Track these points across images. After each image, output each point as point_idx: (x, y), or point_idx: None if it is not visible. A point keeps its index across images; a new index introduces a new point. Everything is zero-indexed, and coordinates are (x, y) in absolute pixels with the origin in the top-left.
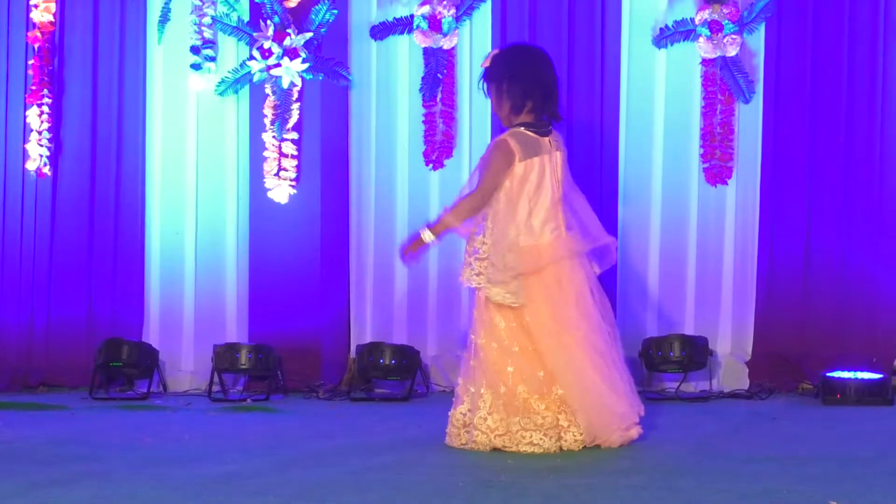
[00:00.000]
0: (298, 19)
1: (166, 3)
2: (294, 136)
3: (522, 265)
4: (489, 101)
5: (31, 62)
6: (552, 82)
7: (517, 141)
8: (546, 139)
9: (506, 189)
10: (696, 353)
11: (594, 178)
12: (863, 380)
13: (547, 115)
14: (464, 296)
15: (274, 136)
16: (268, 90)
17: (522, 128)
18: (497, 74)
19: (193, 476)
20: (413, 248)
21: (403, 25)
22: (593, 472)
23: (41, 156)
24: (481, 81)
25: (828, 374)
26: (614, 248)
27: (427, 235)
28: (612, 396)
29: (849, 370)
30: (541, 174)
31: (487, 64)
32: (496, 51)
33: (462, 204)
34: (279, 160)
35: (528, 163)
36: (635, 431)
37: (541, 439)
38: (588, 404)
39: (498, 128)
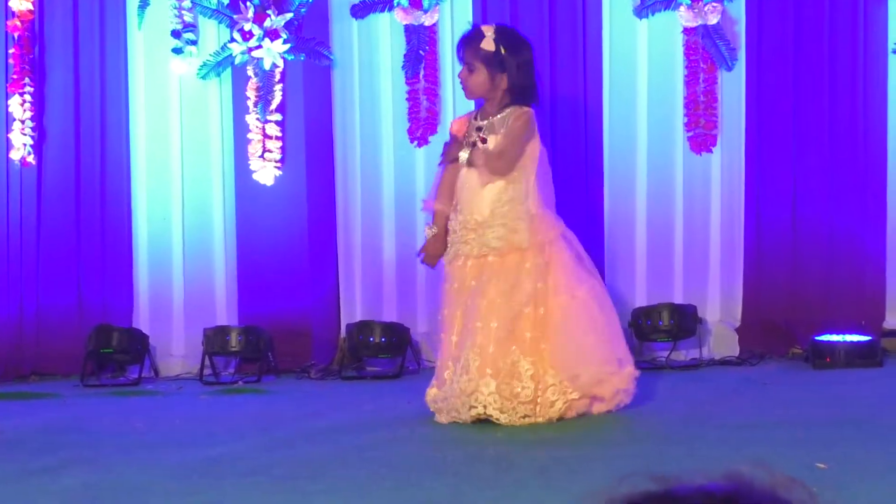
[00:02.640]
0: (278, 0)
1: None
2: (278, 117)
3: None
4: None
5: (11, 51)
6: (535, 76)
7: (533, 117)
8: None
9: (525, 164)
10: (686, 322)
11: (578, 150)
12: (852, 342)
13: (534, 100)
14: None
15: (257, 118)
16: (250, 72)
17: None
18: (501, 54)
19: (184, 459)
20: (434, 252)
21: (384, 3)
22: (584, 443)
23: (25, 145)
24: (463, 47)
25: (817, 338)
26: None
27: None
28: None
29: (838, 333)
30: (542, 153)
31: (489, 40)
32: (495, 26)
33: (491, 163)
34: (263, 142)
35: (537, 139)
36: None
37: (509, 409)
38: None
39: (482, 105)
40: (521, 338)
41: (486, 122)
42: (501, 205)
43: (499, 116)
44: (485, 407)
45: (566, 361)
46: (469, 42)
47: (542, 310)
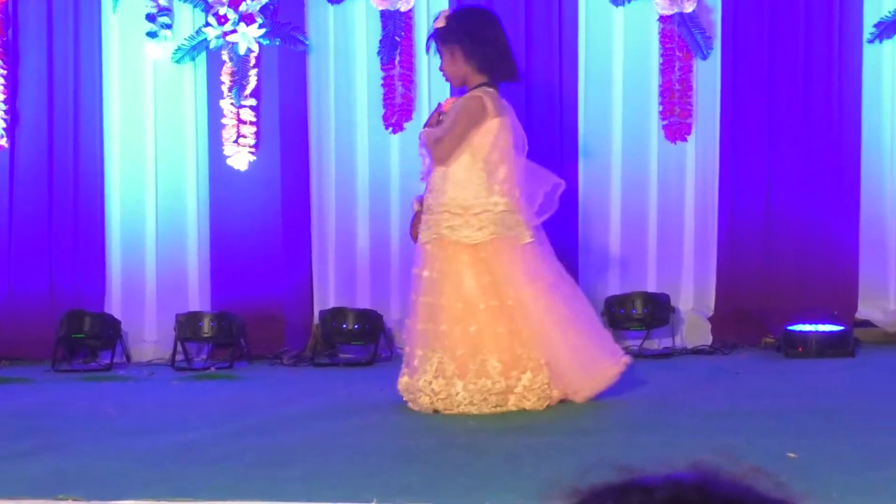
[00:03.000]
0: None
1: None
2: (252, 102)
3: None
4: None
5: None
6: (508, 45)
7: (490, 98)
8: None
9: (480, 146)
10: (659, 310)
11: (553, 137)
12: (824, 332)
13: (507, 77)
14: None
15: (232, 103)
16: (225, 57)
17: (489, 88)
18: (459, 35)
19: (155, 445)
20: (417, 227)
21: None
22: (554, 431)
23: None
24: (431, 41)
25: (789, 328)
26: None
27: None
28: (592, 345)
29: (810, 323)
30: (508, 134)
31: (442, 24)
32: (448, 11)
33: (430, 147)
34: (238, 127)
35: (502, 120)
36: (615, 371)
37: (480, 402)
38: (566, 353)
39: (457, 90)
40: (489, 336)
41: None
42: (452, 191)
43: (457, 99)
44: (457, 406)
45: (565, 379)
46: (432, 33)
47: (511, 301)
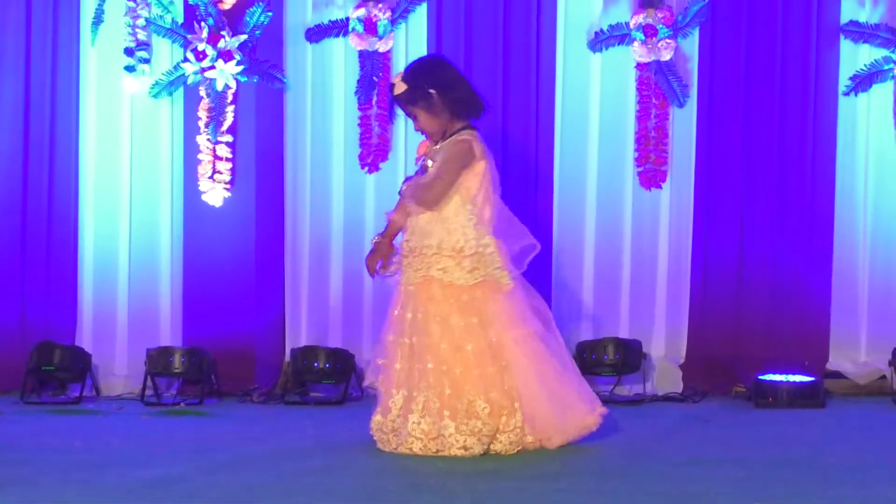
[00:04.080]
0: (233, 21)
1: (100, 5)
2: (229, 138)
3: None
4: (412, 121)
5: None
6: (466, 79)
7: (476, 141)
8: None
9: (468, 188)
10: (630, 357)
11: (529, 182)
12: (795, 383)
13: (479, 111)
14: None
15: (208, 139)
16: (202, 92)
17: (470, 131)
18: (425, 91)
19: (122, 480)
20: (374, 260)
21: (339, 28)
22: (524, 476)
23: None
24: (397, 107)
25: (760, 377)
26: (534, 250)
27: (380, 241)
28: (572, 393)
29: (781, 373)
30: (492, 175)
31: (403, 87)
32: (401, 73)
33: (418, 194)
34: (213, 163)
35: (487, 162)
36: (592, 421)
37: (473, 444)
38: (545, 400)
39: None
40: (477, 377)
41: (437, 147)
42: (442, 233)
43: (442, 144)
44: (449, 448)
45: (541, 426)
46: (394, 99)
47: (495, 338)
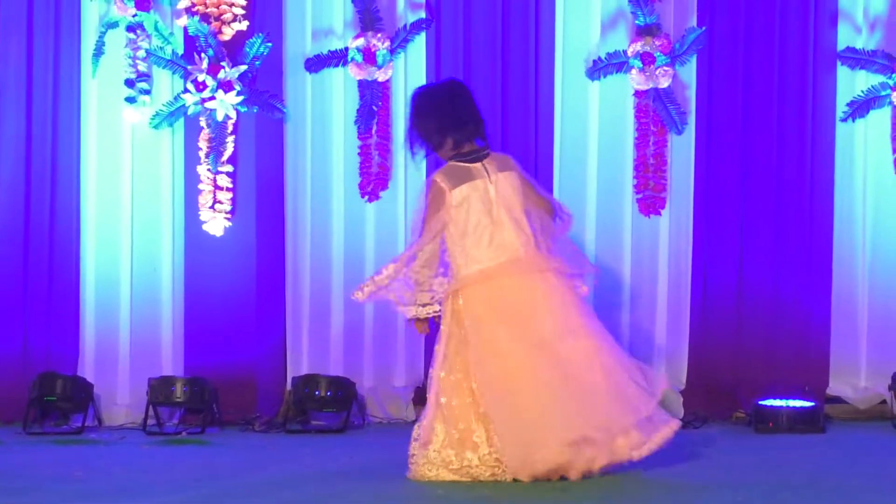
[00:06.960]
0: (233, 52)
1: (101, 37)
2: (229, 168)
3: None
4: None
5: None
6: (463, 109)
7: (444, 175)
8: (477, 165)
9: (455, 220)
10: None
11: None
12: (795, 408)
13: (471, 140)
14: (400, 327)
15: (209, 169)
16: (202, 123)
17: (453, 161)
18: (411, 133)
19: None
20: (419, 328)
21: (338, 58)
22: (521, 502)
23: None
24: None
25: (760, 403)
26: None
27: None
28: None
29: (781, 398)
30: (474, 199)
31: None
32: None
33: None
34: (214, 193)
35: (458, 191)
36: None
37: (493, 466)
38: (516, 434)
39: (433, 159)
40: (469, 407)
41: None
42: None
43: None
44: (470, 475)
45: (515, 456)
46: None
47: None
